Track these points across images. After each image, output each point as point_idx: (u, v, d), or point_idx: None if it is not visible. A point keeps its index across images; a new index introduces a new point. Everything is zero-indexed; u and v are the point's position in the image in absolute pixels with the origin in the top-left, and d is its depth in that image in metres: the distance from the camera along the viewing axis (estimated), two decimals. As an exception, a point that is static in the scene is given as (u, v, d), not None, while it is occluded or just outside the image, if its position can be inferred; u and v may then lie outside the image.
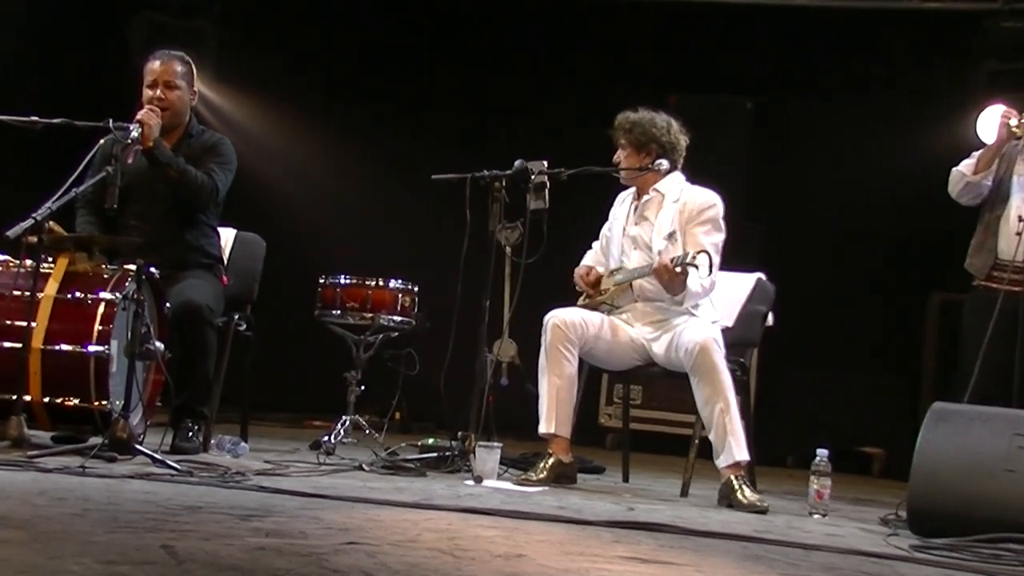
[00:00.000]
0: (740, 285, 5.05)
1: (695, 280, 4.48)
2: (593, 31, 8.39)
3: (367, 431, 5.49)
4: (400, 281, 5.57)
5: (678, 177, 4.80)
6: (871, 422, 7.68)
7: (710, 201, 4.70)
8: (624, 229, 4.82)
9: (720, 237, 4.67)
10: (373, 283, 5.50)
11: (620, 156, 4.80)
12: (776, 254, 7.24)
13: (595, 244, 5.05)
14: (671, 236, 4.65)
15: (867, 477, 7.35)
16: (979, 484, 3.68)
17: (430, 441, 5.01)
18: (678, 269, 4.43)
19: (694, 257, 4.37)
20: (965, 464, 3.73)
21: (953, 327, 6.06)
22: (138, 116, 4.50)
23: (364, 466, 4.51)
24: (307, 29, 8.70)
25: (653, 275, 4.55)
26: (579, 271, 4.91)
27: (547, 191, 4.68)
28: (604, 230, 4.99)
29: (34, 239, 3.94)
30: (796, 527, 3.86)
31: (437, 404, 5.00)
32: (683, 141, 4.79)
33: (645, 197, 4.78)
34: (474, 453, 4.43)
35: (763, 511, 4.21)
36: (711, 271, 4.43)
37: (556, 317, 4.60)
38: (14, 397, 3.90)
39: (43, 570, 2.06)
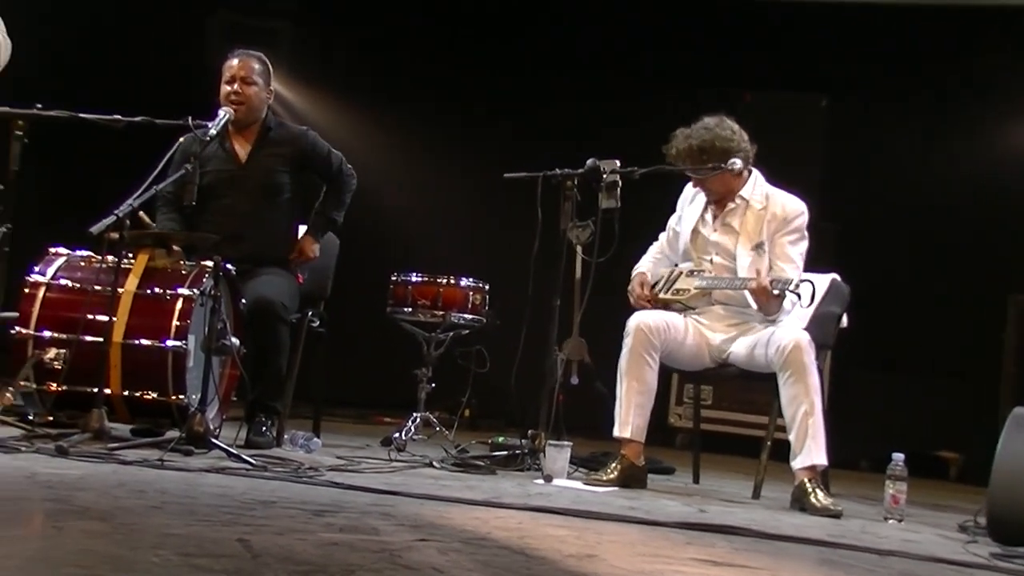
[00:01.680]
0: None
1: (790, 303, 4.45)
2: (668, 29, 8.34)
3: (437, 428, 5.51)
4: (471, 279, 5.58)
5: (758, 179, 4.74)
6: (947, 426, 7.55)
7: (798, 210, 4.65)
8: (697, 230, 4.76)
9: (805, 245, 4.64)
10: (444, 281, 5.52)
11: (696, 185, 4.72)
12: (851, 254, 7.14)
13: (661, 236, 4.99)
14: (758, 247, 4.59)
15: (943, 482, 7.22)
16: (1061, 491, 3.59)
17: (500, 439, 5.02)
18: (776, 292, 4.39)
19: (797, 286, 4.33)
20: (1047, 471, 3.64)
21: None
22: (293, 257, 4.92)
23: (434, 463, 4.53)
24: (380, 28, 8.75)
25: (750, 295, 4.49)
26: (637, 290, 4.80)
27: (619, 190, 4.65)
28: (672, 223, 4.93)
29: (116, 235, 4.01)
30: (871, 532, 3.81)
31: (506, 402, 5.00)
32: (748, 141, 4.71)
33: (730, 204, 4.70)
34: (544, 452, 4.43)
35: (837, 515, 4.16)
36: (812, 300, 4.39)
37: (641, 321, 4.55)
38: (95, 390, 3.98)
39: (125, 560, 2.10)
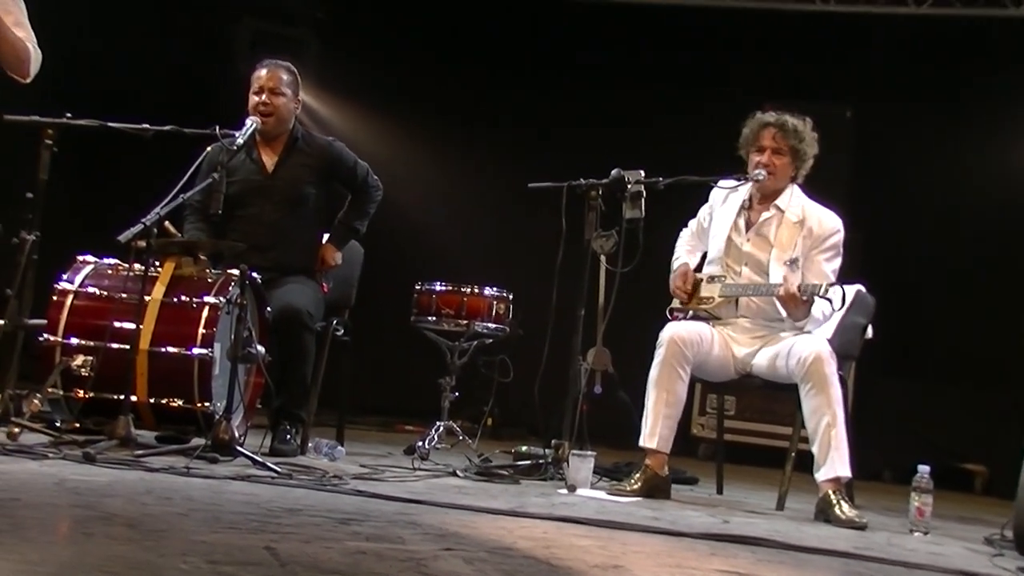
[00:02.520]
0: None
1: (819, 308, 4.44)
2: (690, 39, 8.34)
3: (460, 437, 5.52)
4: (495, 288, 5.59)
5: (796, 192, 4.72)
6: (973, 438, 7.50)
7: (835, 227, 4.63)
8: (731, 238, 4.74)
9: (839, 263, 4.62)
10: (468, 290, 5.54)
11: (767, 158, 4.66)
12: (876, 264, 7.11)
13: (691, 223, 4.97)
14: (792, 263, 4.58)
15: (969, 494, 7.17)
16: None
17: (523, 448, 5.02)
18: (804, 298, 4.38)
19: (826, 290, 4.32)
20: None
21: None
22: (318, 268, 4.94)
23: (458, 472, 4.54)
24: (406, 37, 8.79)
25: (779, 301, 4.48)
26: (677, 281, 4.83)
27: (643, 200, 4.65)
28: (702, 216, 4.91)
29: (143, 244, 4.04)
30: (896, 544, 3.79)
31: (530, 411, 5.01)
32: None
33: (765, 214, 4.69)
34: (567, 461, 4.43)
35: (862, 527, 4.14)
36: (843, 303, 4.38)
37: (675, 333, 4.54)
38: (122, 397, 4.01)
39: (154, 567, 2.12)
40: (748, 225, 4.73)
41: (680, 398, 4.54)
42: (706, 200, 4.94)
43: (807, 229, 4.62)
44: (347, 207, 5.10)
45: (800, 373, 4.38)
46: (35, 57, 4.21)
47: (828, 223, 4.65)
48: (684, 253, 4.94)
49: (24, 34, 4.19)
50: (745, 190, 4.76)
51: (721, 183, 4.80)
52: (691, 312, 4.74)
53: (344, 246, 5.08)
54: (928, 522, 4.18)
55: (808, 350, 4.38)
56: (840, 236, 4.64)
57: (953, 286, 7.99)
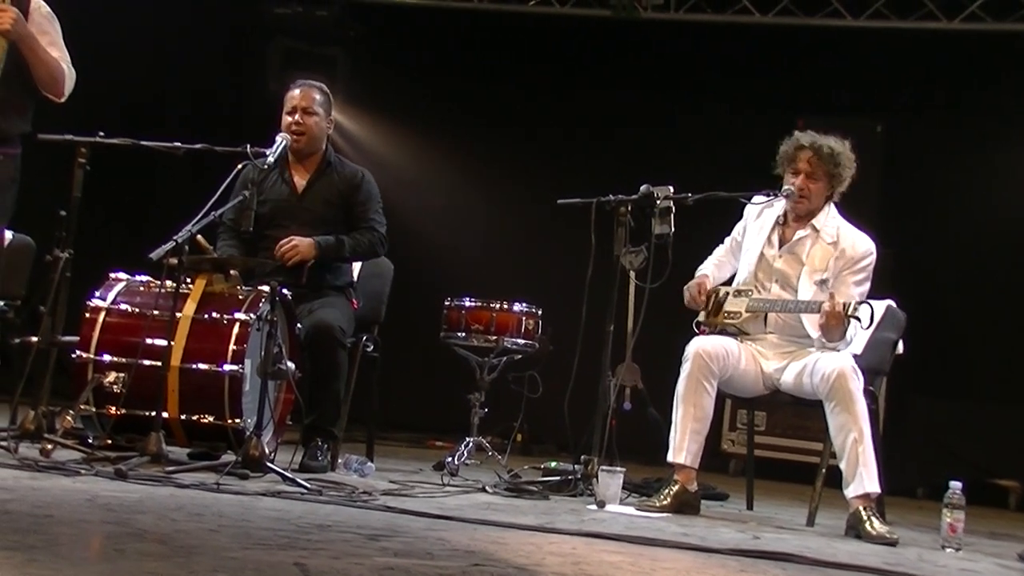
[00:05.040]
0: (870, 312, 4.94)
1: (853, 330, 4.41)
2: (721, 54, 8.34)
3: (489, 453, 5.52)
4: (524, 304, 5.60)
5: (832, 212, 4.70)
6: (1006, 453, 7.41)
7: (869, 250, 4.61)
8: (763, 253, 4.72)
9: (868, 287, 4.59)
10: (497, 306, 5.54)
11: (801, 182, 4.63)
12: (907, 280, 7.07)
13: (727, 240, 4.93)
14: (822, 283, 4.55)
15: (1002, 510, 7.09)
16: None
17: (552, 464, 5.01)
18: (847, 313, 4.33)
19: (855, 309, 4.30)
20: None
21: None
22: (276, 251, 4.69)
23: (487, 488, 4.54)
24: (435, 54, 8.83)
25: (822, 317, 4.39)
26: (692, 289, 4.79)
27: (672, 216, 4.65)
28: (736, 232, 4.89)
29: (174, 261, 4.08)
30: (928, 561, 3.76)
31: (559, 427, 5.00)
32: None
33: (800, 232, 4.66)
34: (597, 477, 4.42)
35: (893, 543, 4.11)
36: (871, 322, 4.35)
37: (701, 347, 4.52)
38: (153, 414, 4.04)
39: (184, 584, 2.14)
40: (782, 242, 4.71)
41: (707, 412, 4.52)
42: (738, 217, 4.92)
43: (840, 250, 4.60)
44: (358, 230, 4.96)
45: (824, 390, 4.36)
46: (69, 76, 4.26)
47: (861, 246, 4.62)
48: (711, 266, 4.92)
49: (59, 54, 4.25)
50: (780, 206, 4.74)
51: (755, 199, 4.78)
52: (718, 327, 4.72)
53: (322, 250, 4.78)
54: (960, 538, 4.14)
55: (831, 367, 4.36)
56: (872, 260, 4.61)
57: (984, 301, 7.92)
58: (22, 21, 4.11)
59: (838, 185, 4.67)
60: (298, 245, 4.73)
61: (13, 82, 4.17)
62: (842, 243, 4.61)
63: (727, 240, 4.95)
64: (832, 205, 4.71)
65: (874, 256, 4.62)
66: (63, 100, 4.29)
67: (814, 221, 4.66)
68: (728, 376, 4.56)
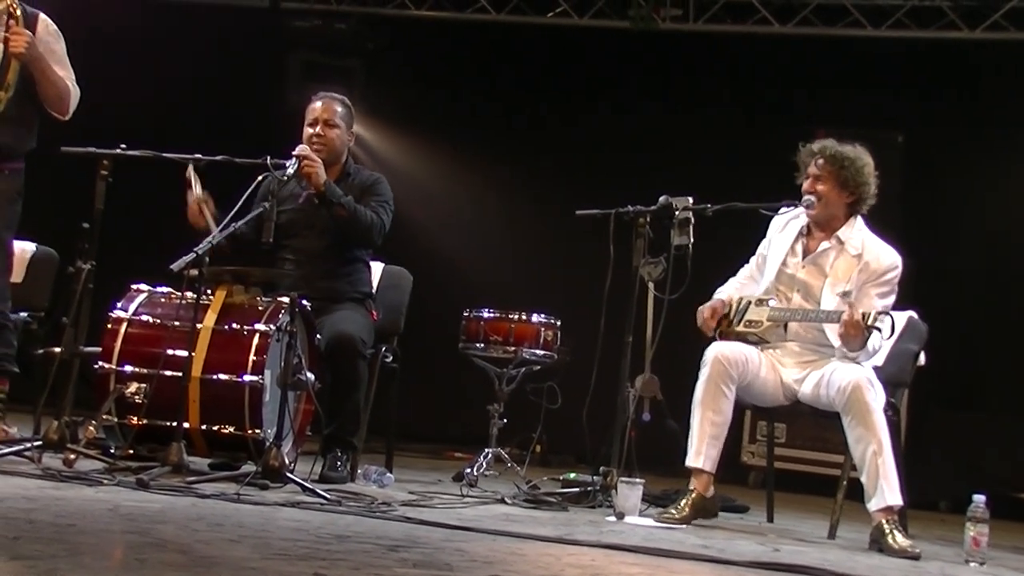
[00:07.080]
0: (891, 323, 4.92)
1: (874, 340, 4.39)
2: (741, 66, 8.34)
3: (508, 464, 5.52)
4: (543, 315, 5.60)
5: (859, 224, 4.66)
6: (1030, 467, 7.37)
7: (894, 263, 4.56)
8: (785, 261, 4.69)
9: (892, 300, 4.55)
10: (516, 317, 5.55)
11: (809, 185, 4.62)
12: (928, 291, 7.03)
13: (752, 259, 4.89)
14: (845, 295, 4.51)
15: (1025, 524, 7.05)
16: None
17: (571, 476, 5.01)
18: (867, 323, 4.30)
19: (876, 320, 4.27)
20: None
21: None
22: (296, 151, 4.65)
23: (506, 499, 4.54)
24: (453, 66, 8.86)
25: (842, 327, 4.36)
26: (706, 312, 4.74)
27: (691, 227, 4.65)
28: (762, 248, 4.87)
29: (195, 272, 4.10)
30: (951, 574, 3.73)
31: (577, 438, 5.00)
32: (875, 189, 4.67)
33: (824, 244, 4.63)
34: (616, 489, 4.41)
35: (915, 557, 4.08)
36: (892, 333, 4.33)
37: (719, 352, 4.50)
38: (175, 424, 4.06)
39: (204, 594, 2.14)
40: (805, 253, 4.69)
41: (726, 418, 4.50)
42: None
43: (864, 263, 4.56)
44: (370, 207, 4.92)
45: (840, 403, 4.34)
46: (74, 95, 4.31)
47: (886, 259, 4.58)
48: (732, 288, 4.86)
49: (65, 72, 4.29)
50: (804, 217, 4.72)
51: (782, 210, 4.76)
52: (739, 336, 4.69)
53: (330, 191, 4.74)
54: (984, 552, 4.11)
55: (846, 379, 4.33)
56: (897, 273, 4.56)
57: (1006, 312, 7.88)
58: (35, 43, 4.16)
59: (856, 192, 4.62)
60: (316, 165, 4.67)
61: (23, 100, 4.22)
62: (866, 256, 4.58)
63: (752, 260, 4.91)
64: (859, 218, 4.67)
65: (899, 269, 4.58)
66: (67, 118, 4.33)
67: (839, 233, 4.63)
68: (747, 383, 4.54)
